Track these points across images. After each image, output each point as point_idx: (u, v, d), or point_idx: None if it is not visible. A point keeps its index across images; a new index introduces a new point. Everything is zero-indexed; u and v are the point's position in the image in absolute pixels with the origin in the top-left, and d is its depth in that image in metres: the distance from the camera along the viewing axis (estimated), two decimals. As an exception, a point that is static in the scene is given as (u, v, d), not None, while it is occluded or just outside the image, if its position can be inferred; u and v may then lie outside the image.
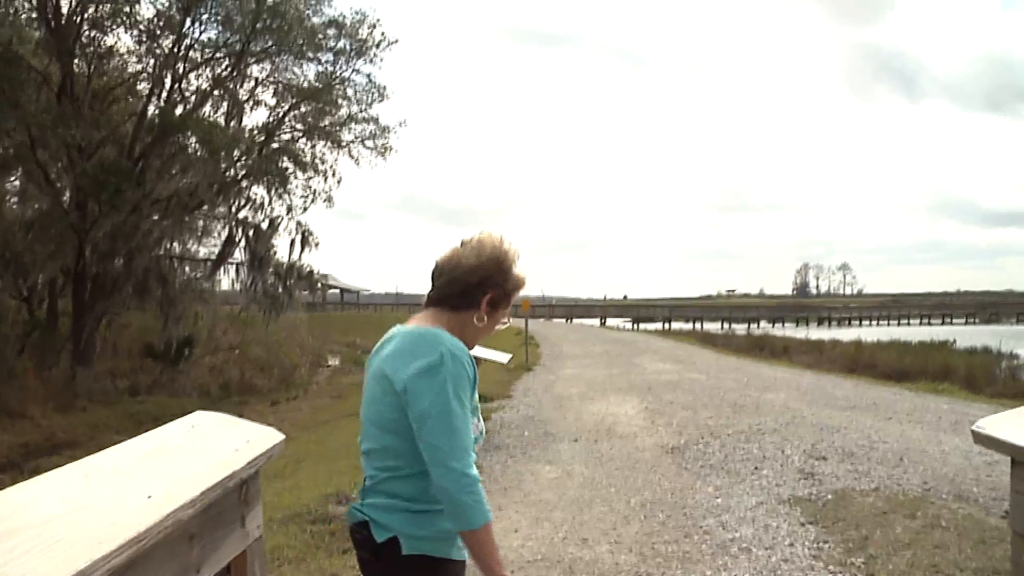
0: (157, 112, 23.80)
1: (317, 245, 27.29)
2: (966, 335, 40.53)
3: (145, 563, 1.51)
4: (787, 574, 5.09)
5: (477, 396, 2.28)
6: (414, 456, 2.15)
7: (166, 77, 23.88)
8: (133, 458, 1.76)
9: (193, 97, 24.83)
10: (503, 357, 3.17)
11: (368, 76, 28.11)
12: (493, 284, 2.32)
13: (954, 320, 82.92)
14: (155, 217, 24.09)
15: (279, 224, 26.52)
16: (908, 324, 76.49)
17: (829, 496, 6.89)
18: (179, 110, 24.06)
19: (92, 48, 22.83)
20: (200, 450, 1.92)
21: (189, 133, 23.07)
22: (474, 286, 2.31)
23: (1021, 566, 2.03)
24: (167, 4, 23.12)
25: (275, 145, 26.30)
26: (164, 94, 24.34)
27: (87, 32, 22.24)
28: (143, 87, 24.95)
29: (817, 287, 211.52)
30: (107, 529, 1.36)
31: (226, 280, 27.37)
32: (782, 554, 5.47)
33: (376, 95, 27.15)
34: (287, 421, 16.76)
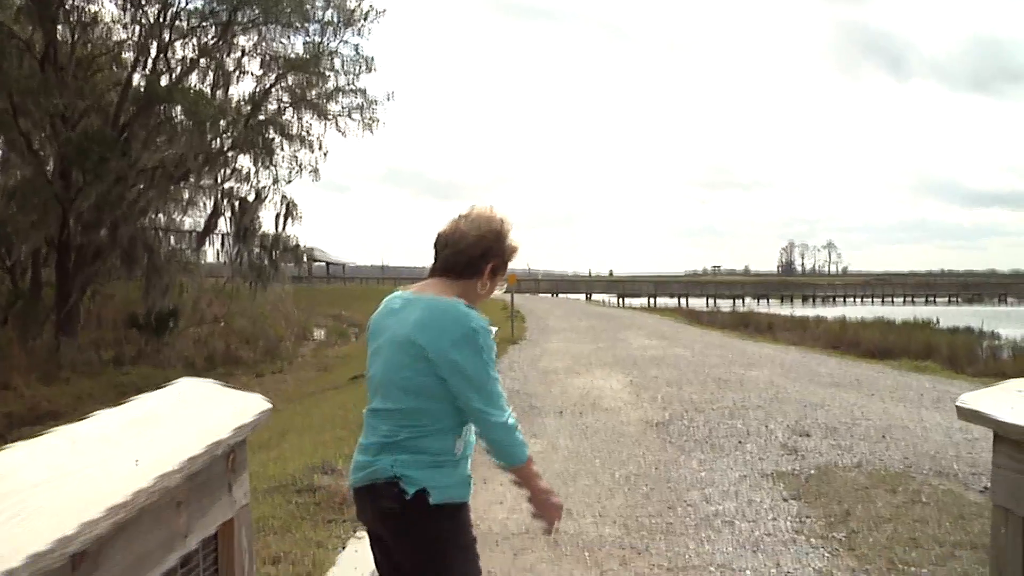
0: (143, 82, 23.59)
1: (302, 218, 27.23)
2: (949, 315, 40.88)
3: (133, 529, 1.51)
4: (769, 547, 5.13)
5: None
6: (442, 415, 2.45)
7: (151, 46, 23.68)
8: (119, 425, 1.75)
9: (179, 67, 24.63)
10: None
11: (356, 48, 28.07)
12: (494, 254, 2.58)
13: (937, 300, 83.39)
14: (140, 187, 23.94)
15: (266, 196, 26.42)
16: (892, 303, 76.88)
17: (812, 471, 6.94)
18: (164, 80, 23.83)
19: (76, 16, 22.58)
20: (187, 417, 1.91)
21: (175, 103, 22.83)
22: (477, 257, 2.57)
23: (1000, 537, 2.05)
24: (152, -29, 22.88)
25: (261, 116, 26.12)
26: (149, 63, 24.12)
27: (71, -1, 22.00)
28: (128, 56, 24.75)
29: (802, 265, 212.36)
30: (94, 495, 1.36)
31: (211, 252, 27.27)
32: (765, 528, 5.51)
33: (364, 67, 27.00)
34: (272, 393, 16.72)
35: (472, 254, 2.56)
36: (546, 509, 2.60)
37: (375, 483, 2.44)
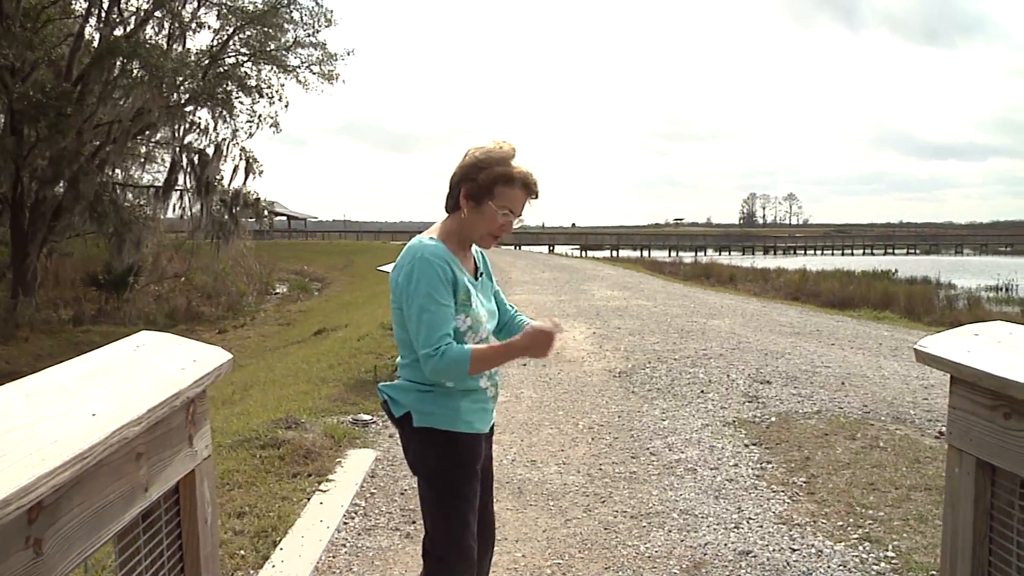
0: (96, 34, 23.02)
1: (262, 172, 26.90)
2: (907, 265, 41.45)
3: (91, 481, 1.49)
4: (731, 493, 5.22)
5: (472, 293, 2.66)
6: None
7: (103, -4, 23.04)
8: (76, 377, 1.72)
9: (133, 18, 24.03)
10: None
11: (315, 0, 27.43)
12: (467, 179, 2.64)
13: (896, 251, 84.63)
14: (96, 143, 23.46)
15: (225, 150, 26.03)
16: (851, 254, 77.87)
17: (772, 419, 7.04)
18: (118, 32, 23.25)
19: (22, -37, 21.88)
20: (146, 369, 1.88)
21: (133, 57, 22.27)
22: (454, 187, 2.69)
23: (954, 477, 2.10)
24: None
25: (220, 69, 25.65)
26: (102, 14, 23.50)
27: (14, -55, 21.28)
28: (79, 6, 24.08)
29: (764, 217, 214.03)
30: (49, 447, 1.34)
31: (170, 207, 26.87)
32: (726, 474, 5.60)
33: (323, 20, 26.57)
34: (235, 348, 16.63)
35: (452, 185, 2.71)
36: (535, 348, 2.60)
37: (382, 403, 2.80)
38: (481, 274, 2.84)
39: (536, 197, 2.72)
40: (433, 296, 2.53)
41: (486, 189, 2.62)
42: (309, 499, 5.10)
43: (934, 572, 3.88)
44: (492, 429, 2.90)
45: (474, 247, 2.84)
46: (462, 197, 2.66)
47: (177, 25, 24.74)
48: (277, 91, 26.38)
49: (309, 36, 26.65)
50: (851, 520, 4.69)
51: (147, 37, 23.93)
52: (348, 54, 30.86)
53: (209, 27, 25.79)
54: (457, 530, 2.65)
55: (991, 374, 1.88)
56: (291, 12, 26.04)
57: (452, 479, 2.67)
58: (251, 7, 25.43)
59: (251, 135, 26.68)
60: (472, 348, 2.55)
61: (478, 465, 2.74)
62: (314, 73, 27.07)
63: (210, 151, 25.90)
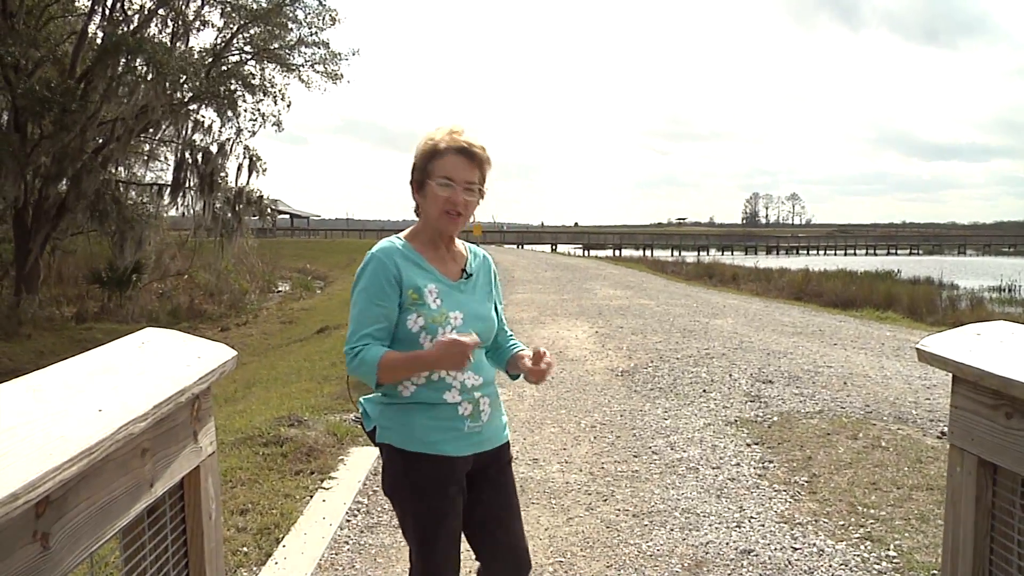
0: (100, 32, 23.00)
1: (266, 170, 26.89)
2: (910, 266, 41.47)
3: (97, 476, 1.51)
4: (733, 492, 5.22)
5: (426, 291, 2.49)
6: None
7: (107, -7, 23.03)
8: (83, 374, 1.73)
9: (136, 16, 24.01)
10: None
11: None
12: (412, 170, 2.59)
13: (898, 251, 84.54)
14: (99, 140, 23.47)
15: (230, 149, 26.03)
16: (854, 254, 77.80)
17: (775, 418, 7.05)
18: (122, 29, 23.24)
19: (25, -40, 21.88)
20: (151, 366, 1.90)
21: (139, 55, 22.23)
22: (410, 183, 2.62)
23: (956, 476, 2.10)
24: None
25: (224, 68, 25.65)
26: (106, 12, 23.49)
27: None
28: (83, 4, 24.06)
29: (767, 216, 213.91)
30: (56, 442, 1.35)
31: (171, 204, 26.86)
32: (728, 473, 5.61)
33: (328, 19, 26.56)
34: (237, 346, 16.54)
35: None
36: (446, 360, 2.37)
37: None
38: (469, 276, 2.63)
39: (477, 157, 2.53)
40: (365, 294, 2.46)
41: (421, 171, 2.54)
42: (312, 496, 5.12)
43: (935, 571, 3.88)
44: (501, 453, 2.65)
45: (470, 247, 2.73)
46: (413, 195, 2.60)
47: (181, 23, 24.71)
48: (280, 90, 26.39)
49: (313, 35, 26.65)
50: (853, 519, 4.70)
51: (151, 34, 23.91)
52: (353, 54, 30.82)
53: (213, 25, 25.77)
54: (424, 554, 2.51)
55: (993, 374, 1.88)
56: (295, 11, 26.04)
57: (410, 502, 2.51)
58: (255, 5, 25.40)
59: (254, 133, 26.70)
60: (383, 353, 2.39)
61: (446, 491, 2.48)
62: (318, 72, 27.09)
63: (214, 149, 25.91)
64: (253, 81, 26.04)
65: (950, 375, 2.14)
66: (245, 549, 4.26)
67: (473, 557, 2.66)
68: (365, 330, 2.42)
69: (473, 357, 2.40)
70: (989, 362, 1.93)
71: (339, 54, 27.23)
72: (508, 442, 2.70)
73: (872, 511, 4.81)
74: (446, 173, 2.49)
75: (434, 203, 2.52)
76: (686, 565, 4.13)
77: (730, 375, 8.91)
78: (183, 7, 24.45)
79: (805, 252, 78.85)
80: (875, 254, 78.74)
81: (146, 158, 26.66)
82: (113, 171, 24.83)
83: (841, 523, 4.65)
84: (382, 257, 2.49)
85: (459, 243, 2.71)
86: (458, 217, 2.53)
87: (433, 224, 2.56)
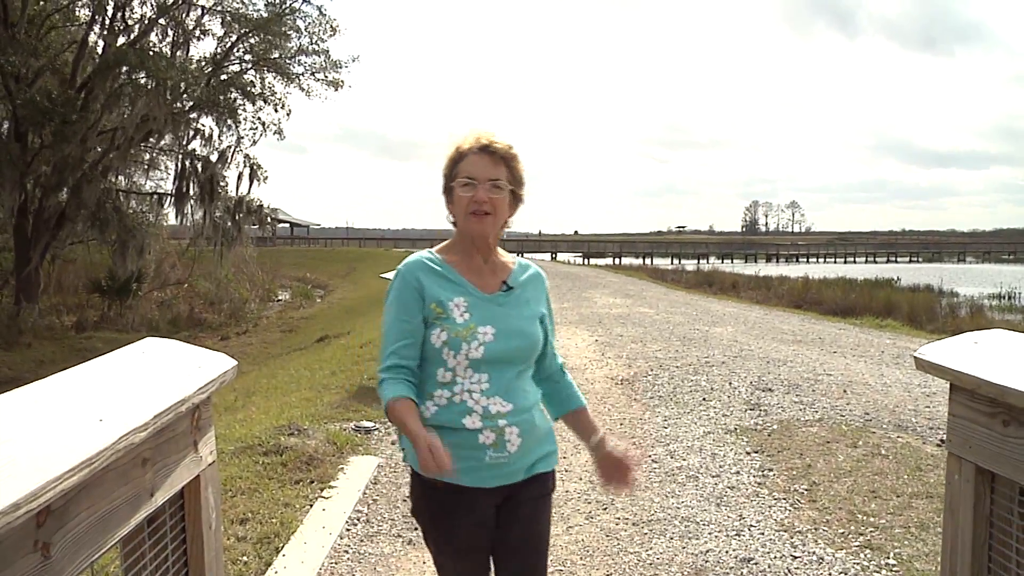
0: (102, 42, 23.08)
1: (266, 179, 26.94)
2: (909, 273, 41.48)
3: (98, 486, 1.51)
4: (733, 500, 5.22)
5: (451, 305, 2.35)
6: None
7: (108, 3, 23.10)
8: (83, 384, 1.74)
9: (137, 26, 24.09)
10: None
11: (320, 8, 27.55)
12: (444, 178, 2.49)
13: (898, 259, 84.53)
14: (99, 149, 23.52)
15: (230, 158, 26.09)
16: (854, 262, 77.76)
17: (774, 426, 7.05)
18: (122, 39, 23.32)
19: (27, -30, 21.93)
20: (151, 375, 1.90)
21: (140, 67, 22.28)
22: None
23: (954, 484, 2.11)
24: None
25: (223, 77, 25.71)
26: (107, 21, 23.57)
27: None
28: (83, 13, 24.14)
29: (766, 224, 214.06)
30: (58, 452, 1.36)
31: (172, 214, 26.95)
32: (728, 482, 5.61)
33: (328, 29, 26.64)
34: (237, 355, 16.54)
35: None
36: (420, 453, 2.15)
37: None
38: (509, 288, 2.46)
39: (499, 152, 2.40)
40: (391, 310, 2.37)
41: (447, 177, 2.45)
42: (312, 505, 5.12)
43: (935, 580, 3.88)
44: (534, 485, 2.44)
45: (521, 262, 2.57)
46: (446, 206, 2.48)
47: (181, 32, 24.80)
48: (281, 99, 26.46)
49: (313, 44, 26.73)
50: (852, 527, 4.70)
51: (151, 44, 23.98)
52: (353, 60, 30.89)
53: (213, 34, 25.87)
54: None
55: (990, 382, 1.89)
56: (295, 20, 26.13)
57: (428, 529, 2.42)
58: (255, 15, 25.48)
59: (255, 142, 26.78)
60: (396, 399, 2.25)
61: (461, 522, 2.34)
62: (318, 80, 27.16)
63: (214, 158, 25.97)
64: (253, 90, 26.12)
65: (948, 383, 2.15)
66: (245, 558, 4.26)
67: None
68: (391, 347, 2.33)
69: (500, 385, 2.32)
70: (986, 370, 1.94)
71: (339, 62, 27.33)
72: (547, 473, 2.49)
73: (872, 519, 4.81)
74: (468, 172, 2.39)
75: (459, 206, 2.40)
76: (686, 574, 4.13)
77: (730, 383, 8.91)
78: (183, 17, 24.53)
79: (805, 260, 78.83)
80: (875, 262, 78.70)
81: (146, 167, 26.72)
82: (113, 180, 24.87)
83: (841, 531, 4.65)
84: (405, 272, 2.40)
85: (507, 256, 2.56)
86: (486, 216, 2.38)
87: (463, 231, 2.44)
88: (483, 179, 2.37)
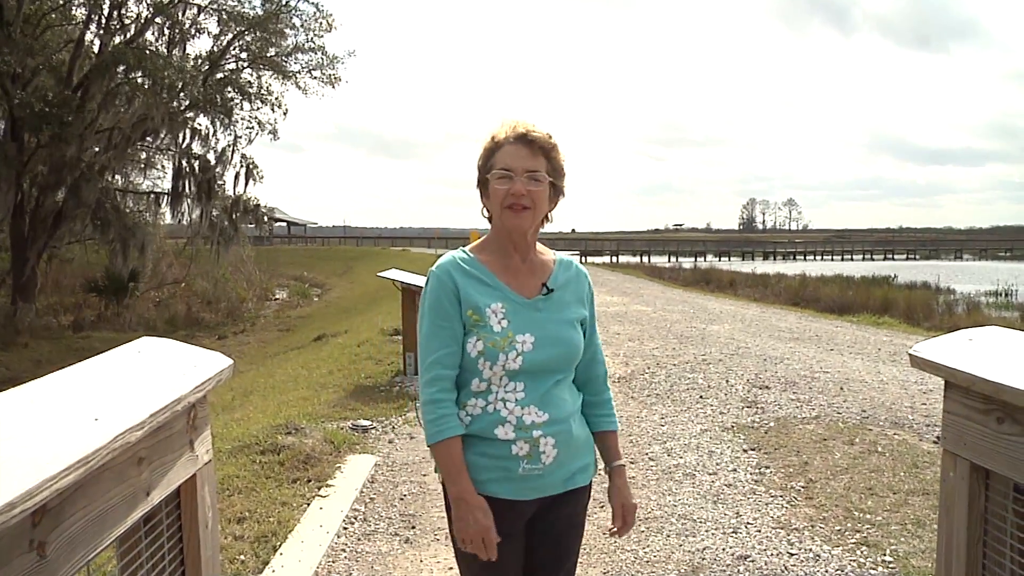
0: (98, 41, 23.06)
1: (262, 178, 26.93)
2: (906, 271, 41.49)
3: (94, 485, 1.51)
4: (730, 498, 5.23)
5: (488, 311, 2.21)
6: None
7: (104, 2, 23.06)
8: (79, 382, 1.74)
9: (133, 25, 24.05)
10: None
11: (316, 5, 27.55)
12: (479, 171, 2.32)
13: (895, 256, 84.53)
14: (95, 149, 23.49)
15: (228, 157, 26.08)
16: (851, 259, 77.78)
17: (771, 424, 7.06)
18: (118, 38, 23.29)
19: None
20: (147, 374, 1.90)
21: (136, 67, 22.26)
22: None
23: (949, 481, 2.11)
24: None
25: (220, 75, 25.69)
26: (103, 20, 23.53)
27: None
28: (79, 12, 24.10)
29: (763, 222, 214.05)
30: (53, 451, 1.35)
31: (169, 213, 26.93)
32: (725, 479, 5.61)
33: (324, 25, 26.64)
34: (235, 354, 16.60)
35: None
36: (457, 522, 2.15)
37: None
38: (550, 291, 2.31)
39: (538, 142, 2.24)
40: (429, 316, 2.22)
41: (482, 170, 2.29)
42: (309, 504, 5.12)
43: (931, 576, 3.89)
44: (569, 499, 2.33)
45: (562, 258, 2.44)
46: (481, 200, 2.33)
47: (177, 31, 24.78)
48: (277, 98, 26.45)
49: (309, 40, 26.73)
50: (849, 525, 4.71)
51: (147, 42, 23.95)
52: (349, 55, 30.95)
53: (209, 33, 25.88)
54: None
55: (984, 379, 1.89)
56: (291, 17, 26.13)
57: (457, 538, 2.24)
58: (251, 13, 25.48)
59: (251, 141, 26.79)
60: (450, 439, 2.16)
61: (495, 536, 2.17)
62: (315, 78, 27.17)
63: (210, 157, 25.95)
64: (250, 89, 26.11)
65: (943, 380, 2.15)
66: (242, 557, 4.26)
67: None
68: (432, 356, 2.18)
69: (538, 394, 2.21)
70: (980, 367, 1.94)
71: (336, 57, 27.34)
72: (584, 487, 2.38)
73: (868, 516, 4.82)
74: (504, 164, 2.22)
75: (495, 199, 2.24)
76: (683, 571, 4.14)
77: (727, 381, 8.92)
78: (179, 15, 24.51)
79: (802, 257, 78.88)
80: (872, 259, 78.72)
81: (142, 166, 26.71)
82: (110, 179, 24.85)
83: (837, 528, 4.66)
84: (439, 274, 2.23)
85: (547, 253, 2.42)
86: (524, 210, 2.22)
87: (499, 226, 2.28)
88: (521, 171, 2.21)
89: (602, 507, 5.11)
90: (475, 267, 2.25)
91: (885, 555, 4.25)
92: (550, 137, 2.27)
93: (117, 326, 23.43)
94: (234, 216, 26.83)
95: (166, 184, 26.26)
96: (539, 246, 2.38)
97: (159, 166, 26.88)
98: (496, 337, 2.17)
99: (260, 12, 25.49)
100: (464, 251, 2.30)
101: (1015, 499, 1.90)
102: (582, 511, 2.42)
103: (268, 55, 26.44)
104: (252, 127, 26.25)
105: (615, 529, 2.45)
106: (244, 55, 26.51)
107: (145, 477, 1.75)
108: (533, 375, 2.21)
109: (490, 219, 2.32)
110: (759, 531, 4.66)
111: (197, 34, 25.76)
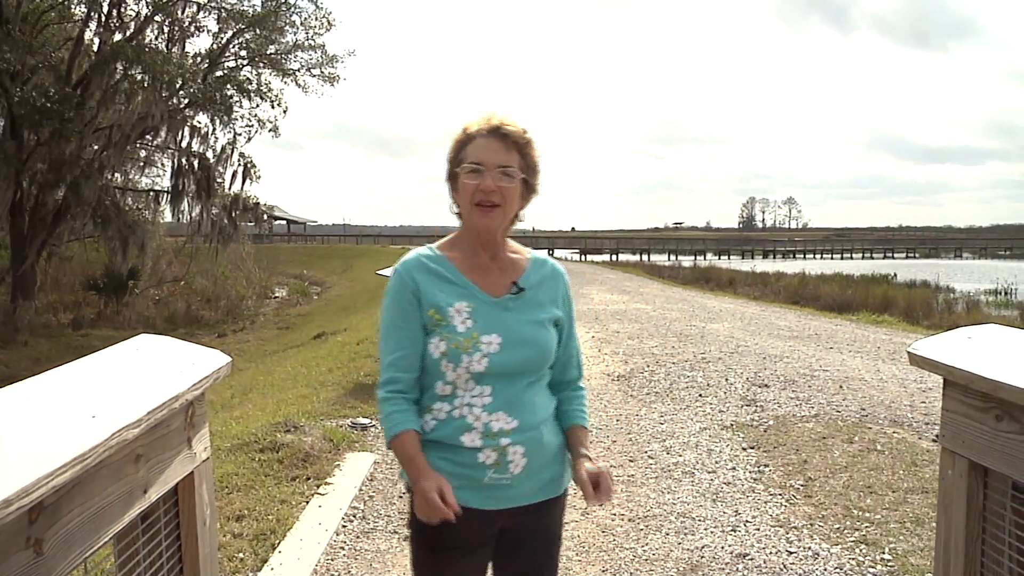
0: (97, 39, 23.03)
1: (259, 177, 26.92)
2: (906, 269, 41.55)
3: (91, 482, 1.51)
4: (729, 496, 5.23)
5: (450, 311, 2.10)
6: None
7: (103, 0, 23.04)
8: (77, 380, 1.74)
9: (132, 23, 24.03)
10: None
11: (315, 3, 27.54)
12: (448, 164, 2.22)
13: (895, 254, 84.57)
14: (95, 147, 23.48)
15: (227, 155, 26.06)
16: (851, 258, 77.83)
17: (770, 422, 7.05)
18: (118, 35, 23.26)
19: (21, -33, 21.86)
20: (145, 372, 1.90)
21: (138, 63, 22.23)
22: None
23: (947, 479, 2.11)
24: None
25: (219, 73, 25.68)
26: (102, 18, 23.50)
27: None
28: (79, 10, 24.07)
29: (763, 220, 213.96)
30: (51, 447, 1.35)
31: (168, 211, 26.92)
32: (724, 477, 5.61)
33: (324, 23, 26.63)
34: (234, 352, 16.61)
35: None
36: (418, 500, 2.01)
37: None
38: (520, 290, 2.20)
39: (512, 137, 2.15)
40: (387, 316, 2.15)
41: (452, 162, 2.19)
42: (308, 502, 5.12)
43: (929, 574, 3.89)
44: (542, 511, 2.22)
45: (537, 257, 2.32)
46: (450, 195, 2.23)
47: (177, 29, 24.76)
48: (277, 95, 26.44)
49: (309, 39, 26.73)
50: (848, 523, 4.70)
51: (147, 40, 23.93)
52: (349, 54, 30.97)
53: (208, 31, 25.86)
54: None
55: (983, 377, 1.89)
56: (291, 15, 26.12)
57: (414, 545, 2.24)
58: (250, 11, 25.47)
59: (250, 139, 26.77)
60: (401, 433, 2.07)
61: (447, 544, 2.13)
62: (314, 76, 27.17)
63: (210, 155, 25.94)
64: (249, 87, 26.09)
65: (942, 378, 2.15)
66: (241, 555, 4.26)
67: None
68: (387, 358, 2.12)
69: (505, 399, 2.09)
70: (979, 365, 1.94)
71: (336, 56, 27.35)
72: (556, 498, 2.25)
73: (867, 514, 4.82)
74: (475, 157, 2.12)
75: (464, 195, 2.13)
76: (681, 569, 4.14)
77: (726, 379, 8.92)
78: (179, 13, 24.49)
79: (802, 256, 78.87)
80: (872, 258, 78.78)
81: (142, 164, 26.69)
82: (110, 177, 24.84)
83: (836, 527, 4.66)
84: (401, 272, 2.15)
85: (522, 251, 2.31)
86: (493, 208, 2.12)
87: (469, 223, 2.18)
88: (492, 165, 2.10)
89: (601, 505, 5.10)
90: (441, 264, 2.16)
91: (884, 553, 4.25)
92: (525, 132, 2.18)
93: (117, 324, 23.40)
94: (234, 214, 26.81)
95: (165, 182, 26.24)
96: (513, 244, 2.29)
97: (159, 164, 26.88)
98: (459, 338, 2.07)
99: (259, 10, 25.48)
100: (431, 248, 2.22)
101: (1013, 497, 1.90)
102: (557, 522, 2.30)
103: (268, 53, 26.45)
104: (252, 125, 26.23)
105: (597, 501, 2.14)
106: (244, 53, 26.51)
107: (143, 474, 1.75)
108: (501, 378, 2.10)
109: (459, 215, 2.22)
110: (758, 529, 4.66)
111: (196, 32, 25.76)
